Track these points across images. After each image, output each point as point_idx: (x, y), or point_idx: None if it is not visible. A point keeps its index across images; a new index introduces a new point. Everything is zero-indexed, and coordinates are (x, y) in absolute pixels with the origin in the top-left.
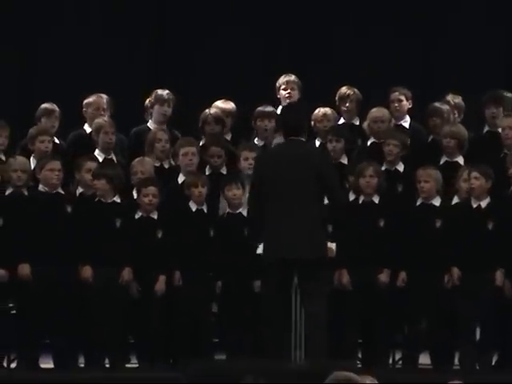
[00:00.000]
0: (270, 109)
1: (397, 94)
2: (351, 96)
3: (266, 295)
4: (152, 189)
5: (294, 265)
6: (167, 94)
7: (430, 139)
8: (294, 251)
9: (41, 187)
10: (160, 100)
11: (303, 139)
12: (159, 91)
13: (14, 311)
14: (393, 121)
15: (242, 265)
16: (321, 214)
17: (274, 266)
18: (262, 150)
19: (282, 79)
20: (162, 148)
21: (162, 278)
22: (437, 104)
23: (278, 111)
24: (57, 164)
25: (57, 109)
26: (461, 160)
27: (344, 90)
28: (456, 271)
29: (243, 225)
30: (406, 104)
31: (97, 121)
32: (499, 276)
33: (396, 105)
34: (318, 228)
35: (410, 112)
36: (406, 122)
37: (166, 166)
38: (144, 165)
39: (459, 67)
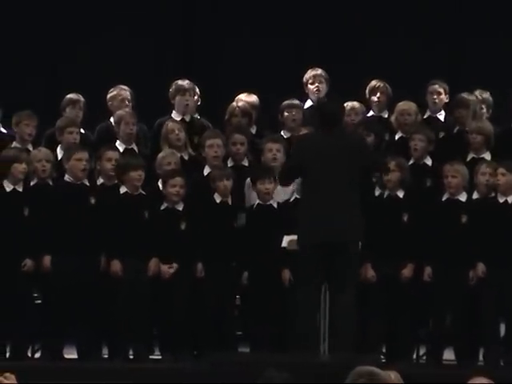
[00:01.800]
0: (296, 101)
1: (436, 86)
2: (381, 88)
3: (300, 283)
4: (179, 180)
5: (330, 251)
6: (187, 83)
7: (455, 130)
8: (332, 235)
9: (66, 177)
10: (181, 90)
11: (341, 129)
12: (179, 82)
13: (39, 301)
14: (428, 113)
15: (269, 256)
16: (359, 201)
17: (311, 250)
18: (303, 135)
19: (309, 73)
20: (177, 137)
21: (174, 266)
22: (464, 95)
23: (306, 106)
24: (84, 154)
25: (82, 99)
26: (487, 156)
27: (374, 82)
28: (481, 267)
29: (273, 216)
30: (444, 98)
31: (118, 112)
32: None
33: (434, 97)
34: (356, 215)
35: (445, 106)
36: (441, 115)
37: (186, 158)
38: (171, 157)
39: (488, 62)
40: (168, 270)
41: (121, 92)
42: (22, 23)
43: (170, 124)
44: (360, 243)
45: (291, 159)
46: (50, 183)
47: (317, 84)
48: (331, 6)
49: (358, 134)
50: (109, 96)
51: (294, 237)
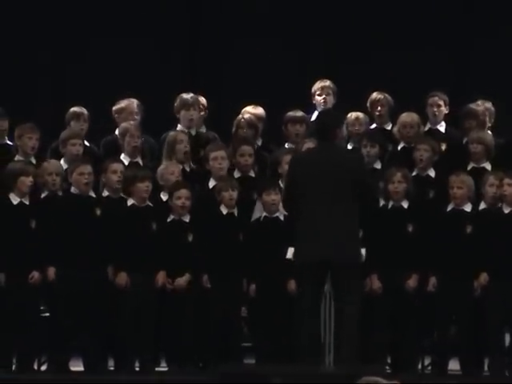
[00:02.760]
0: (300, 114)
1: (436, 98)
2: (382, 100)
3: (301, 296)
4: (184, 192)
5: (329, 267)
6: (191, 97)
7: (464, 141)
8: (329, 253)
9: (73, 189)
10: (186, 105)
11: (337, 143)
12: (184, 95)
13: (46, 314)
14: (428, 125)
15: (276, 268)
16: (356, 217)
17: (309, 268)
18: (295, 153)
19: (318, 85)
20: (185, 149)
21: (187, 276)
22: (472, 106)
23: (314, 117)
24: (87, 168)
25: (85, 112)
26: (488, 166)
27: (375, 95)
28: (484, 277)
29: (280, 229)
30: (444, 109)
31: (123, 125)
32: None
33: (435, 109)
34: (353, 231)
35: (445, 117)
36: (442, 127)
37: (188, 169)
38: (173, 167)
39: (490, 73)
40: (183, 281)
41: (129, 104)
42: (30, 36)
43: (179, 134)
44: (364, 254)
45: (287, 182)
46: (60, 194)
47: (324, 96)
48: (335, 18)
49: (358, 152)
50: (116, 108)
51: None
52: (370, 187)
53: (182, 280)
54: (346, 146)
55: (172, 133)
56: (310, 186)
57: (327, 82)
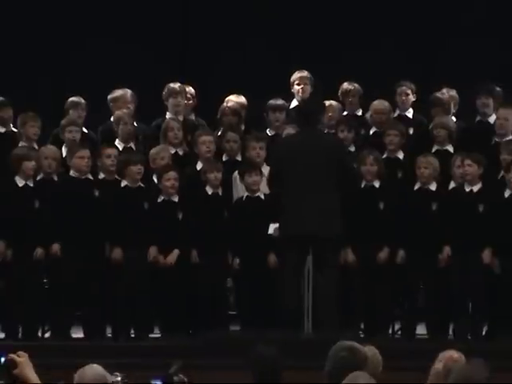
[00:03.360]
0: (280, 102)
1: (404, 88)
2: (352, 91)
3: (285, 267)
4: (173, 174)
5: (311, 240)
6: (179, 86)
7: (431, 127)
8: (312, 228)
9: (72, 173)
10: (172, 93)
11: (318, 128)
12: (171, 84)
13: (48, 286)
14: (397, 111)
15: (258, 243)
16: (337, 195)
17: (293, 240)
18: (280, 138)
19: (296, 75)
20: (175, 136)
21: (176, 252)
22: (438, 94)
23: (292, 105)
24: (86, 152)
25: (83, 101)
26: (450, 148)
27: (346, 85)
28: (447, 250)
29: (261, 207)
30: (411, 97)
31: (117, 113)
32: (487, 255)
33: (403, 98)
34: (335, 208)
35: (412, 104)
36: (410, 113)
37: (181, 153)
38: (163, 152)
39: (454, 64)
40: (172, 257)
41: (123, 94)
42: (32, 31)
43: (170, 121)
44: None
45: (272, 166)
46: (55, 179)
47: (302, 85)
48: (312, 21)
49: (337, 137)
50: (111, 97)
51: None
52: (352, 168)
53: (172, 257)
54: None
55: (166, 120)
56: (295, 167)
57: (305, 73)
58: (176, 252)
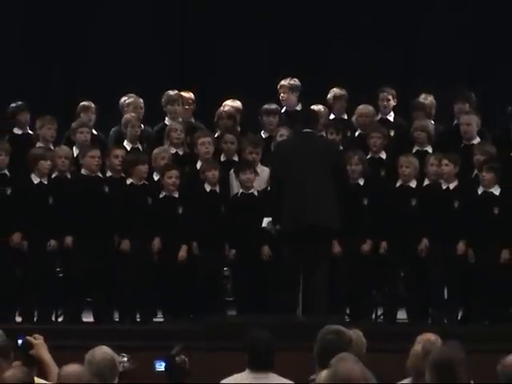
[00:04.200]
0: (274, 106)
1: (385, 93)
2: (339, 96)
3: (285, 260)
4: (174, 172)
5: (310, 233)
6: (176, 94)
7: (412, 129)
8: (312, 221)
9: (83, 171)
10: (170, 100)
11: (315, 132)
12: (169, 92)
13: (60, 275)
14: (379, 115)
15: (252, 236)
16: (334, 194)
17: (293, 233)
18: (278, 142)
19: (283, 82)
20: (177, 136)
21: (184, 247)
22: (421, 100)
23: (283, 110)
24: (96, 152)
25: (93, 105)
26: (429, 149)
27: (334, 90)
28: (425, 242)
29: (254, 203)
30: (392, 102)
31: (125, 116)
32: (461, 246)
33: (384, 103)
34: (332, 203)
35: (393, 108)
36: (391, 117)
37: (181, 153)
38: (164, 152)
39: (432, 70)
40: (183, 253)
41: (136, 100)
42: (45, 44)
43: (173, 124)
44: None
45: (272, 170)
46: (68, 176)
47: (287, 92)
48: (303, 27)
49: (331, 140)
50: (124, 103)
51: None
52: (345, 168)
53: (183, 254)
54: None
55: (170, 122)
56: (293, 168)
57: (291, 80)
58: (184, 248)
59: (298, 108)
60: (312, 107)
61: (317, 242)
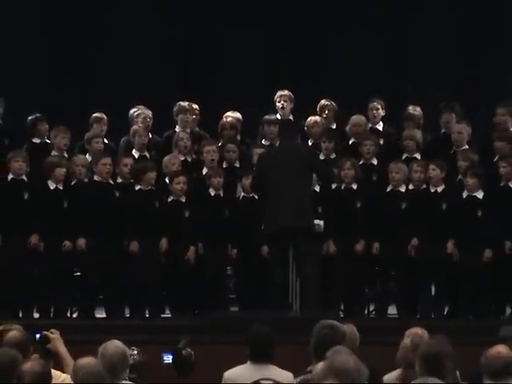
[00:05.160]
0: (274, 117)
1: (375, 103)
2: (328, 106)
3: (271, 258)
4: (182, 178)
5: (291, 234)
6: (188, 104)
7: (401, 138)
8: (291, 223)
9: (96, 177)
10: (182, 110)
11: (296, 141)
12: (181, 103)
13: (75, 273)
14: (369, 124)
15: (253, 237)
16: (310, 194)
17: (276, 234)
18: (261, 152)
19: (278, 93)
20: (184, 145)
21: (192, 249)
22: (410, 111)
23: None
24: (108, 160)
25: (104, 117)
26: (418, 156)
27: (323, 101)
28: (415, 242)
29: (255, 206)
30: (381, 112)
31: (134, 127)
32: (450, 246)
33: (374, 112)
34: (308, 205)
35: (382, 118)
36: (380, 126)
37: (189, 160)
38: (174, 159)
39: (420, 82)
40: (192, 254)
41: (145, 111)
42: (59, 61)
43: (180, 133)
44: (322, 225)
45: (255, 172)
46: (86, 181)
47: (283, 102)
48: (298, 44)
49: (308, 145)
50: (133, 114)
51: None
52: (324, 167)
53: (191, 254)
54: (307, 143)
55: (177, 132)
56: (274, 172)
57: (285, 91)
58: (192, 249)
59: (290, 117)
60: (309, 118)
61: (300, 240)
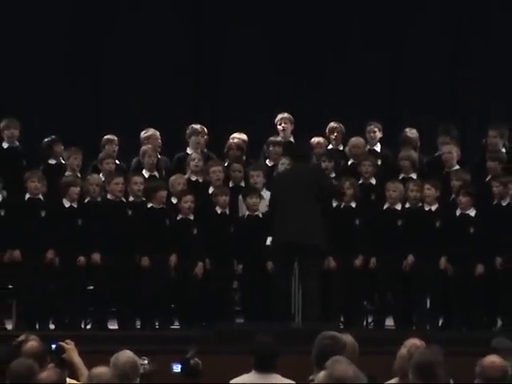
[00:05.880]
0: (278, 138)
1: (372, 126)
2: (337, 128)
3: (276, 271)
4: (190, 197)
5: (297, 248)
6: (200, 127)
7: (398, 159)
8: (298, 239)
9: (109, 196)
10: (195, 132)
11: (308, 163)
12: (194, 126)
13: (89, 287)
14: (368, 146)
15: (258, 253)
16: (319, 214)
17: (282, 249)
18: (276, 171)
19: (279, 116)
20: (196, 165)
21: (200, 264)
22: (408, 134)
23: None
24: (120, 179)
25: (115, 138)
26: (414, 176)
27: (332, 124)
28: (410, 258)
29: (259, 224)
30: (379, 134)
31: (143, 148)
32: (443, 262)
33: (372, 135)
34: (317, 224)
35: (380, 140)
36: (378, 147)
37: (201, 180)
38: (180, 179)
39: (416, 107)
40: (199, 270)
41: (154, 133)
42: (76, 86)
43: (192, 154)
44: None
45: (271, 193)
46: (99, 200)
47: (283, 124)
48: (300, 70)
49: (319, 167)
50: (144, 136)
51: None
52: (328, 190)
53: (199, 270)
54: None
55: (190, 152)
56: (284, 194)
57: (285, 114)
58: (201, 265)
59: (291, 139)
60: (313, 139)
61: (304, 256)
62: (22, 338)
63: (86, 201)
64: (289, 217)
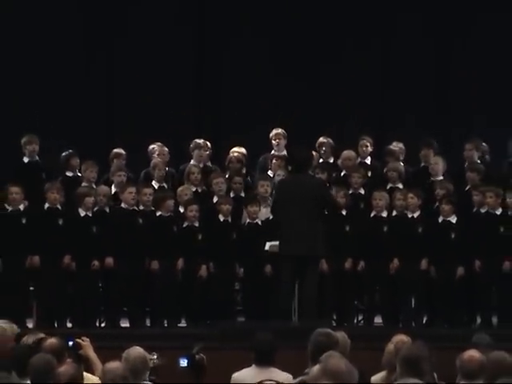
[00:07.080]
0: (283, 153)
1: (364, 141)
2: (326, 143)
3: (283, 278)
4: (195, 206)
5: (300, 257)
6: (203, 142)
7: (385, 170)
8: (302, 248)
9: (123, 205)
10: (197, 146)
11: (309, 172)
12: (197, 140)
13: (103, 289)
14: (359, 159)
15: (257, 257)
16: (321, 224)
17: (288, 258)
18: (280, 179)
19: (273, 132)
20: (195, 178)
21: (204, 267)
22: (392, 147)
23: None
24: (133, 189)
25: (123, 152)
26: (401, 186)
27: (321, 139)
28: (396, 261)
29: (259, 230)
30: (369, 148)
31: (153, 161)
32: (424, 263)
33: (363, 148)
34: (319, 235)
35: (370, 153)
36: (368, 160)
37: (200, 191)
38: (186, 190)
39: (402, 121)
40: (203, 272)
41: (162, 148)
42: (87, 102)
43: (192, 167)
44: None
45: (273, 199)
46: (106, 210)
47: (278, 140)
48: (296, 88)
49: (320, 179)
50: (152, 150)
51: (274, 243)
52: (330, 201)
53: (203, 272)
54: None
55: (188, 166)
56: (291, 201)
57: (279, 130)
58: (204, 267)
59: (284, 153)
60: (305, 153)
61: (307, 264)
62: (43, 335)
63: (94, 209)
64: (295, 228)
